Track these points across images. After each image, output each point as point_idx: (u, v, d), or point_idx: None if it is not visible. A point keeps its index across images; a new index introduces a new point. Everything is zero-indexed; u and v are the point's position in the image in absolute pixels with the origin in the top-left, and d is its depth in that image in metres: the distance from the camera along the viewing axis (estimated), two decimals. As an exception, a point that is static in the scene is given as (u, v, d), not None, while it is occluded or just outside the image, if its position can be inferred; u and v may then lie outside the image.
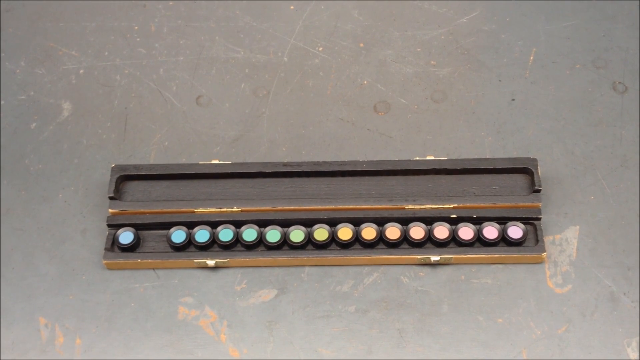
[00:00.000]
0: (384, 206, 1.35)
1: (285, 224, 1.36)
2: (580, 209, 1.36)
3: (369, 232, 1.34)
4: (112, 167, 1.39)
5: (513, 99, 1.49)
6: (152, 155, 1.45)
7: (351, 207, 1.36)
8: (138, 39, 1.57)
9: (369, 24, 1.57)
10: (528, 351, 1.23)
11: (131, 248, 1.34)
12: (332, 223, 1.35)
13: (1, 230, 1.37)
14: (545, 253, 1.30)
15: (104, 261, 1.33)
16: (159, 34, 1.58)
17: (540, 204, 1.34)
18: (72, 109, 1.51)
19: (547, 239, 1.33)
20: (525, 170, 1.37)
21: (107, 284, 1.32)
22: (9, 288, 1.32)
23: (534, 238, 1.32)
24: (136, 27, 1.58)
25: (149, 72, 1.54)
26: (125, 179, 1.40)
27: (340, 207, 1.36)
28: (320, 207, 1.36)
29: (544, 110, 1.48)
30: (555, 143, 1.44)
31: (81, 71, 1.55)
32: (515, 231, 1.32)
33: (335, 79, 1.52)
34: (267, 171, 1.39)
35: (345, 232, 1.34)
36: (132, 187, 1.40)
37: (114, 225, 1.36)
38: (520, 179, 1.37)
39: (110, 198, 1.37)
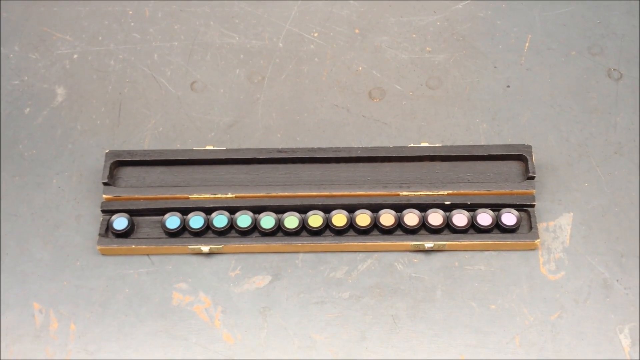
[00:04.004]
0: (378, 193, 1.38)
1: (280, 210, 1.38)
2: (574, 196, 1.39)
3: (363, 218, 1.36)
4: (106, 153, 1.41)
5: (508, 86, 1.52)
6: (146, 141, 1.47)
7: (345, 193, 1.38)
8: (132, 24, 1.59)
9: (364, 10, 1.59)
10: (520, 337, 1.26)
11: (125, 234, 1.36)
12: (327, 209, 1.37)
13: (-4, 216, 1.39)
14: (538, 240, 1.32)
15: (98, 247, 1.34)
16: (154, 19, 1.60)
17: (534, 191, 1.37)
18: (66, 94, 1.53)
19: (541, 226, 1.35)
20: (519, 157, 1.40)
21: (101, 269, 1.34)
22: (3, 274, 1.33)
23: (527, 225, 1.35)
24: (130, 12, 1.60)
25: (143, 58, 1.56)
26: (119, 164, 1.42)
27: (335, 193, 1.38)
28: (314, 193, 1.38)
29: (539, 97, 1.50)
30: (550, 130, 1.46)
31: (75, 56, 1.57)
32: (509, 218, 1.34)
33: (330, 65, 1.54)
34: (261, 157, 1.41)
35: (339, 219, 1.36)
36: (127, 172, 1.42)
37: (108, 211, 1.38)
38: (514, 166, 1.40)
39: (105, 184, 1.39)
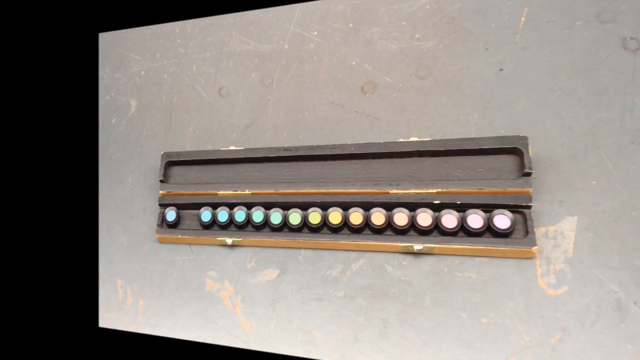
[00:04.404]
0: (370, 190, 0.77)
1: (286, 206, 0.84)
2: (580, 197, 0.65)
3: (356, 217, 0.78)
4: (162, 154, 0.94)
5: (501, 69, 0.75)
6: (187, 143, 0.97)
7: (340, 191, 0.79)
8: (178, 40, 1.03)
9: (357, 2, 0.87)
10: (515, 359, 0.59)
11: (174, 225, 0.92)
12: (324, 207, 0.81)
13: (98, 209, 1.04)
14: (536, 247, 0.64)
15: (157, 235, 0.93)
16: (193, 34, 1.03)
17: (530, 190, 0.66)
18: (136, 106, 1.05)
19: (539, 231, 0.65)
20: (514, 150, 0.68)
21: (158, 255, 0.94)
22: (100, 254, 1.00)
23: (523, 229, 0.66)
24: (177, 30, 1.03)
25: (185, 69, 1.01)
26: (170, 164, 0.94)
27: (331, 191, 0.80)
28: (314, 190, 0.81)
29: (537, 80, 0.72)
30: (549, 118, 0.70)
31: (142, 72, 1.06)
32: (502, 220, 0.66)
33: (327, 62, 0.88)
34: (270, 156, 0.85)
35: (335, 217, 0.79)
36: (175, 171, 0.94)
37: (163, 205, 0.94)
38: (508, 161, 0.69)
39: (161, 181, 0.94)
